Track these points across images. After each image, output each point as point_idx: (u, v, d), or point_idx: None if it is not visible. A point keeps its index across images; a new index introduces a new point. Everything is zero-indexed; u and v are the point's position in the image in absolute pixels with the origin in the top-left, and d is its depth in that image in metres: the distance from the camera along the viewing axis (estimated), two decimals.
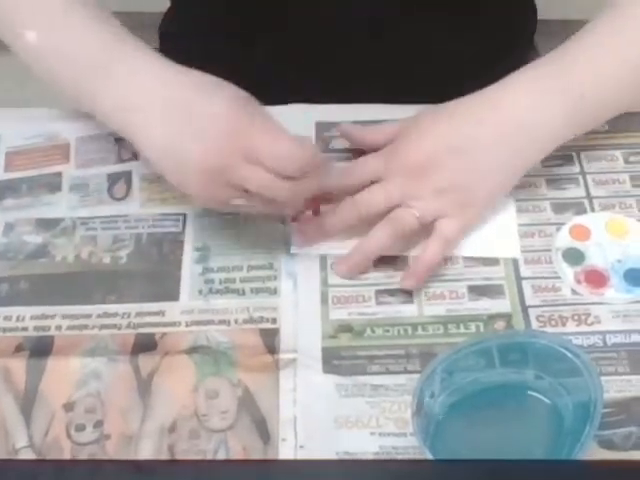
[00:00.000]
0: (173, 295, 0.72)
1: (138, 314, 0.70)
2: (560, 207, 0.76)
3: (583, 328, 0.69)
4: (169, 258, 0.74)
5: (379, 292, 0.71)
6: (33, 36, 0.71)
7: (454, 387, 0.61)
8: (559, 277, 0.71)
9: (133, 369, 0.67)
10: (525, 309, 0.70)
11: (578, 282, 0.71)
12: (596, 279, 0.71)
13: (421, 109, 0.75)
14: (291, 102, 0.82)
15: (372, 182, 0.72)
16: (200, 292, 0.72)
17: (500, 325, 0.69)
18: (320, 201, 0.73)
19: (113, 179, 0.78)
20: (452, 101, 0.73)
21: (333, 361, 0.68)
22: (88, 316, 0.71)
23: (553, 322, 0.69)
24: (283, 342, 0.68)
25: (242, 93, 0.68)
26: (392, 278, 0.71)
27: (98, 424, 0.65)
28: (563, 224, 0.74)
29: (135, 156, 0.79)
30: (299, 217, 0.74)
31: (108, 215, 0.76)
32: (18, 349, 0.69)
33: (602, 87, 0.72)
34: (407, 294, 0.71)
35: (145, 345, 0.69)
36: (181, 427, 0.65)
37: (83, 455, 0.64)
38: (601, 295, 0.70)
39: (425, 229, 0.71)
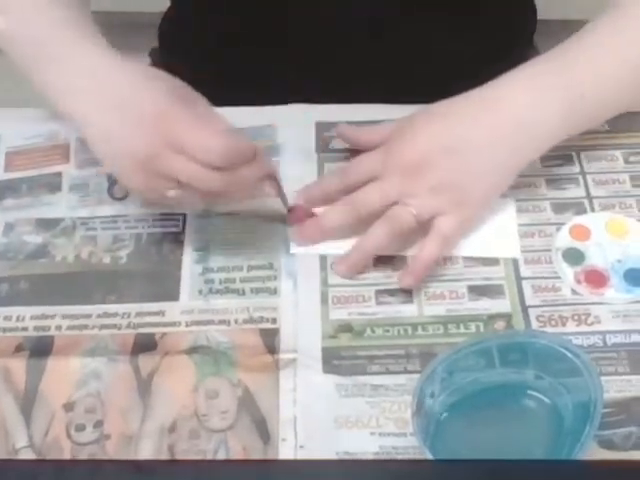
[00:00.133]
0: (173, 295, 0.72)
1: (138, 314, 0.70)
2: (560, 207, 0.76)
3: (583, 328, 0.69)
4: (169, 258, 0.74)
5: (379, 292, 0.71)
6: (2, 20, 0.72)
7: (454, 387, 0.61)
8: (559, 277, 0.71)
9: (133, 369, 0.67)
10: (525, 309, 0.70)
11: (578, 282, 0.71)
12: (596, 279, 0.71)
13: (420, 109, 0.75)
14: (291, 102, 0.82)
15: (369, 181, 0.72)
16: (200, 292, 0.72)
17: (500, 325, 0.69)
18: (312, 206, 0.74)
19: (113, 179, 0.78)
20: (447, 100, 0.73)
21: (333, 361, 0.68)
22: (88, 316, 0.71)
23: (553, 322, 0.69)
24: (283, 342, 0.68)
25: (179, 83, 0.69)
26: (392, 278, 0.71)
27: (98, 424, 0.65)
28: (563, 224, 0.74)
29: None
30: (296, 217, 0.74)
31: (108, 215, 0.76)
32: (18, 349, 0.69)
33: (602, 87, 0.72)
34: (407, 294, 0.71)
35: (145, 345, 0.69)
36: (181, 427, 0.65)
37: (83, 455, 0.64)
38: (601, 295, 0.70)
39: (423, 229, 0.71)
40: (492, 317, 0.69)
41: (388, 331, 0.69)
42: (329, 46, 0.87)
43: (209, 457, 0.63)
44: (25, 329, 0.70)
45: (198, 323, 0.70)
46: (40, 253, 0.74)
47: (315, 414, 0.65)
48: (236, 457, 0.63)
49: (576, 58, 0.72)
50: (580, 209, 0.75)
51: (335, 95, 0.80)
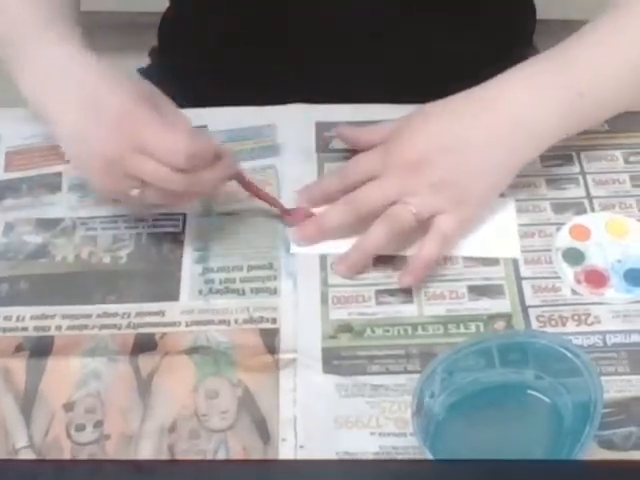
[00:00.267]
0: (173, 295, 0.72)
1: (138, 314, 0.70)
2: (560, 207, 0.76)
3: (583, 328, 0.69)
4: (169, 258, 0.74)
5: (379, 292, 0.71)
6: None
7: (454, 387, 0.61)
8: (559, 277, 0.71)
9: (133, 369, 0.67)
10: (525, 309, 0.70)
11: (578, 282, 0.71)
12: (596, 279, 0.71)
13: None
14: (291, 102, 0.82)
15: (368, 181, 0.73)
16: (200, 292, 0.72)
17: (500, 325, 0.69)
18: (312, 206, 0.74)
19: None
20: (445, 99, 0.73)
21: (333, 361, 0.68)
22: (88, 316, 0.71)
23: (553, 322, 0.69)
24: (283, 342, 0.68)
25: (145, 85, 0.71)
26: (392, 278, 0.71)
27: (98, 424, 0.65)
28: (563, 224, 0.74)
29: None
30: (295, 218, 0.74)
31: (108, 215, 0.76)
32: (18, 349, 0.69)
33: (601, 86, 0.72)
34: (407, 294, 0.71)
35: (145, 345, 0.69)
36: (181, 427, 0.65)
37: (83, 455, 0.64)
38: (601, 295, 0.70)
39: (423, 229, 0.71)
40: (492, 317, 0.69)
41: (388, 331, 0.69)
42: (329, 46, 0.87)
43: (209, 457, 0.63)
44: (25, 329, 0.70)
45: (198, 323, 0.70)
46: (40, 253, 0.74)
47: (315, 414, 0.65)
48: (236, 457, 0.63)
49: (575, 57, 0.72)
50: (580, 209, 0.75)
51: (335, 95, 0.80)
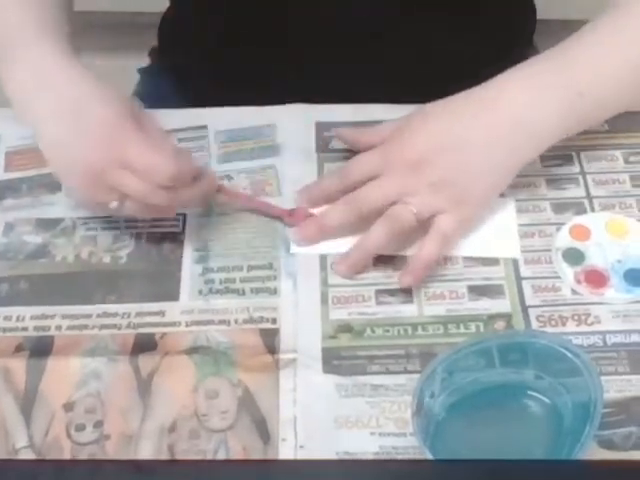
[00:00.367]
0: (173, 295, 0.72)
1: (138, 314, 0.70)
2: (560, 207, 0.76)
3: (583, 328, 0.69)
4: (169, 258, 0.74)
5: (379, 292, 0.71)
6: None
7: (454, 387, 0.61)
8: (559, 277, 0.71)
9: (133, 369, 0.67)
10: (525, 309, 0.70)
11: (578, 282, 0.71)
12: (596, 279, 0.71)
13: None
14: (291, 102, 0.82)
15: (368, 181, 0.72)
16: (200, 292, 0.72)
17: (500, 325, 0.69)
18: (312, 206, 0.75)
19: None
20: (445, 99, 0.73)
21: (333, 361, 0.68)
22: (88, 316, 0.71)
23: (553, 322, 0.69)
24: (283, 342, 0.68)
25: (131, 102, 0.71)
26: (392, 278, 0.71)
27: (98, 424, 0.65)
28: (563, 224, 0.74)
29: None
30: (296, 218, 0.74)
31: (108, 215, 0.76)
32: (18, 349, 0.69)
33: (601, 86, 0.72)
34: (407, 294, 0.71)
35: (145, 345, 0.69)
36: (181, 427, 0.65)
37: (83, 455, 0.64)
38: (601, 295, 0.70)
39: (424, 229, 0.71)
40: (492, 317, 0.69)
41: (388, 331, 0.69)
42: (329, 46, 0.87)
43: (209, 457, 0.63)
44: (25, 329, 0.70)
45: (198, 323, 0.70)
46: (40, 253, 0.74)
47: (315, 414, 0.65)
48: (236, 457, 0.63)
49: (576, 57, 0.72)
50: (580, 209, 0.75)
51: (335, 95, 0.80)
